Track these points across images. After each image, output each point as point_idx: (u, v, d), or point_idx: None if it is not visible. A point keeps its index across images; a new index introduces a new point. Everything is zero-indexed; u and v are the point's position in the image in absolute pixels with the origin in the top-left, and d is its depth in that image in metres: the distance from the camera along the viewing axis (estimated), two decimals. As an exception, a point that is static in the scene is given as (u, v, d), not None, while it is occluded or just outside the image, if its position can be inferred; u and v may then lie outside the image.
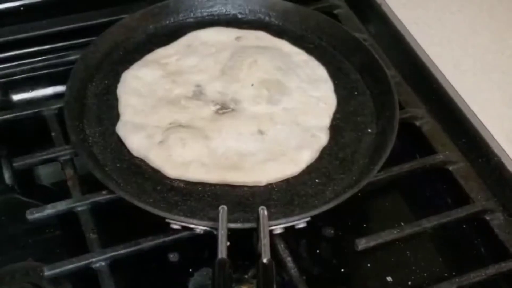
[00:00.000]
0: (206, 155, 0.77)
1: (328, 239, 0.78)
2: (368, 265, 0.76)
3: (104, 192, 0.74)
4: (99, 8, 0.93)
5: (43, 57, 0.90)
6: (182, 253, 0.74)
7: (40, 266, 0.69)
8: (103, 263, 0.69)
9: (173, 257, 0.74)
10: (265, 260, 0.65)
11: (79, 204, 0.74)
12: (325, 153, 0.79)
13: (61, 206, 0.73)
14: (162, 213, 0.70)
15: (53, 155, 0.78)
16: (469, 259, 0.77)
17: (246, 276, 0.73)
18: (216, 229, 0.68)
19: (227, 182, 0.75)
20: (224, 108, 0.82)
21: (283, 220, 0.70)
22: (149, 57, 0.87)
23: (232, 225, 0.70)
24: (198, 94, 0.83)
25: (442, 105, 0.85)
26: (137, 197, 0.72)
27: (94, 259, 0.69)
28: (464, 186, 0.79)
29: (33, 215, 0.72)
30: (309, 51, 0.90)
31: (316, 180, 0.76)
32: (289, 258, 0.70)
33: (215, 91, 0.83)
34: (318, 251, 0.77)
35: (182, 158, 0.76)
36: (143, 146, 0.77)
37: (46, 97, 0.90)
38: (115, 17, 0.91)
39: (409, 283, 0.75)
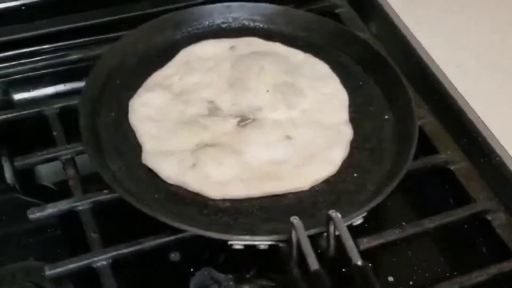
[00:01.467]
0: (242, 169, 0.76)
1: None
2: (370, 265, 0.75)
3: (105, 192, 0.74)
4: (99, 8, 0.93)
5: (44, 57, 0.90)
6: (183, 252, 0.74)
7: (41, 265, 0.69)
8: (104, 263, 0.69)
9: (174, 256, 0.74)
10: (359, 263, 0.63)
11: (80, 203, 0.74)
12: (353, 147, 0.79)
13: (62, 205, 0.73)
14: (225, 236, 0.69)
15: (54, 154, 0.78)
16: (470, 259, 0.77)
17: (247, 276, 0.73)
18: (286, 241, 0.67)
19: (271, 193, 0.75)
20: (244, 120, 0.81)
21: (346, 219, 0.68)
22: (150, 81, 0.85)
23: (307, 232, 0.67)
24: (213, 110, 0.82)
25: (444, 105, 0.85)
26: (196, 225, 0.69)
27: (95, 259, 0.69)
28: (466, 186, 0.79)
29: (34, 214, 0.72)
30: (304, 49, 0.90)
31: (354, 175, 0.77)
32: (289, 258, 0.70)
33: (229, 104, 0.82)
34: (319, 251, 0.77)
35: (221, 177, 0.75)
36: (177, 172, 0.75)
37: (47, 96, 0.90)
38: (115, 17, 0.91)
39: (411, 283, 0.75)
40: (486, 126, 0.81)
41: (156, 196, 0.74)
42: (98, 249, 0.70)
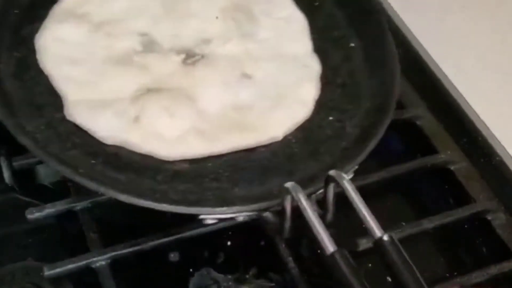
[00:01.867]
0: (199, 120, 0.63)
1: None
2: (369, 265, 0.75)
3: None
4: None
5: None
6: (183, 252, 0.74)
7: (40, 265, 0.69)
8: (103, 263, 0.69)
9: (173, 256, 0.74)
10: (385, 237, 0.54)
11: (79, 203, 0.73)
12: (322, 83, 0.69)
13: (61, 205, 0.73)
14: (192, 210, 0.57)
15: (53, 154, 0.78)
16: (470, 259, 0.77)
17: (247, 276, 0.73)
18: (266, 210, 0.57)
19: (238, 148, 0.63)
20: (190, 56, 0.67)
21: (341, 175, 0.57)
22: (58, 9, 0.68)
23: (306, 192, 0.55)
24: (149, 44, 0.67)
25: (444, 104, 0.85)
26: (149, 197, 0.57)
27: (94, 259, 0.69)
28: (466, 186, 0.79)
29: (33, 214, 0.72)
30: None
31: (330, 118, 0.67)
32: (289, 258, 0.70)
33: (168, 35, 0.68)
34: (319, 251, 0.76)
35: (173, 132, 0.62)
36: (116, 129, 0.61)
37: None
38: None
39: (410, 283, 0.74)
40: (486, 126, 0.81)
41: (93, 161, 0.60)
42: (97, 249, 0.70)
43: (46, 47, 0.66)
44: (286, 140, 0.66)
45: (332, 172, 0.57)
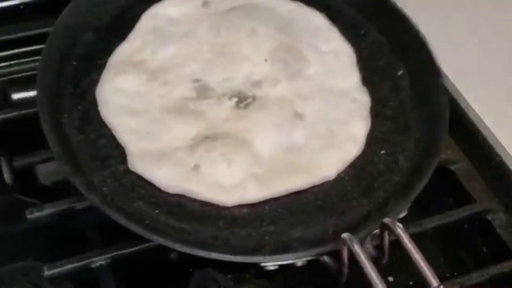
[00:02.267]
0: (255, 165, 0.64)
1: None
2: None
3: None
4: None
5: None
6: (183, 252, 0.74)
7: (40, 265, 0.69)
8: (103, 263, 0.69)
9: (174, 256, 0.74)
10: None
11: (79, 203, 0.73)
12: (372, 116, 0.69)
13: (61, 205, 0.73)
14: (253, 259, 0.59)
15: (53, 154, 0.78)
16: (471, 259, 0.77)
17: (247, 276, 0.73)
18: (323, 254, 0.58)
19: (293, 190, 0.64)
20: (243, 100, 0.68)
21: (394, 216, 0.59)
22: (115, 59, 0.70)
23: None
24: (202, 90, 0.68)
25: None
26: (213, 248, 0.59)
27: (94, 259, 0.69)
28: (466, 186, 0.79)
29: (33, 214, 0.72)
30: None
31: (381, 152, 0.67)
32: (290, 258, 0.70)
33: (220, 80, 0.69)
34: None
35: (232, 179, 0.63)
36: (177, 179, 0.62)
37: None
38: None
39: (411, 283, 0.74)
40: (486, 126, 0.81)
41: (157, 211, 0.62)
42: (97, 249, 0.70)
43: (107, 99, 0.67)
44: (339, 178, 0.66)
45: (386, 220, 0.59)
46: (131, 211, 0.62)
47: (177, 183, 0.63)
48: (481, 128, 0.81)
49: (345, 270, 0.60)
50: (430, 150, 0.66)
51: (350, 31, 0.76)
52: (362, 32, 0.75)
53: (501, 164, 0.78)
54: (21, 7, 0.91)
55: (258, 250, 0.60)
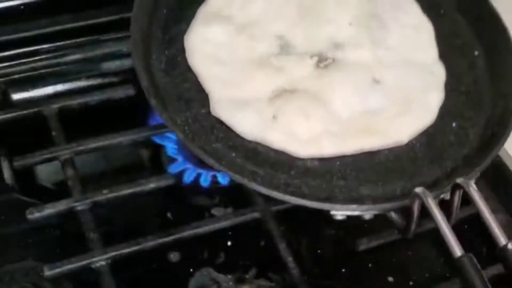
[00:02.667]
0: (331, 122, 0.66)
1: (329, 239, 0.77)
2: (369, 265, 0.75)
3: (104, 192, 0.74)
4: (99, 7, 0.93)
5: (43, 56, 0.90)
6: (183, 252, 0.74)
7: (40, 266, 0.69)
8: (103, 263, 0.69)
9: (173, 257, 0.74)
10: (510, 245, 0.57)
11: (79, 203, 0.73)
12: (447, 90, 0.72)
13: (61, 205, 0.73)
14: (325, 206, 0.61)
15: (53, 154, 0.78)
16: (470, 259, 0.77)
17: (247, 276, 0.73)
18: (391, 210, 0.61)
19: (365, 150, 0.66)
20: (322, 60, 0.71)
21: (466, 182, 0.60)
22: (204, 10, 0.73)
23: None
24: (285, 47, 0.71)
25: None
26: (285, 191, 0.62)
27: (94, 259, 0.69)
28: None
29: (33, 214, 0.72)
30: None
31: (453, 125, 0.70)
32: (290, 258, 0.70)
33: (303, 39, 0.71)
34: (319, 251, 0.77)
35: (308, 132, 0.65)
36: (256, 127, 0.66)
37: (47, 96, 0.89)
38: (115, 17, 0.91)
39: (411, 283, 0.75)
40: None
41: (233, 155, 0.66)
42: (97, 249, 0.70)
43: (195, 47, 0.71)
44: (410, 144, 0.68)
45: (460, 180, 0.60)
46: (210, 151, 0.65)
47: (254, 131, 0.66)
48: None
49: (413, 226, 0.62)
50: (500, 128, 0.68)
51: (431, 9, 0.78)
52: (442, 12, 0.78)
53: (501, 165, 0.78)
54: (22, 7, 0.91)
55: (329, 199, 0.63)
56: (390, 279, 0.75)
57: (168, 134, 0.81)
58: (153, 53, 0.72)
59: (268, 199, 0.73)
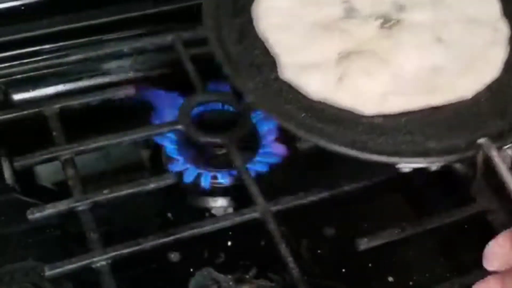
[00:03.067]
0: (395, 80, 0.69)
1: (329, 239, 0.78)
2: (370, 265, 0.76)
3: (105, 192, 0.74)
4: (100, 8, 0.93)
5: (44, 57, 0.90)
6: (183, 253, 0.74)
7: (40, 266, 0.69)
8: (104, 263, 0.69)
9: (173, 257, 0.74)
10: None
11: (80, 203, 0.74)
12: (510, 45, 0.73)
13: (61, 205, 0.73)
14: (392, 159, 0.65)
15: (53, 154, 0.78)
16: (470, 259, 0.77)
17: (247, 276, 0.73)
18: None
19: (429, 106, 0.68)
20: (387, 21, 0.73)
21: None
22: None
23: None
24: (350, 11, 0.74)
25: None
26: (352, 147, 0.65)
27: (95, 259, 0.69)
28: (466, 186, 0.79)
29: (34, 214, 0.72)
30: None
31: None
32: (290, 259, 0.70)
33: (367, 2, 0.74)
34: (319, 251, 0.77)
35: (373, 91, 0.68)
36: (323, 87, 0.69)
37: (47, 96, 0.90)
38: (116, 17, 0.91)
39: (411, 283, 0.75)
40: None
41: (302, 115, 0.68)
42: (97, 249, 0.70)
43: (262, 15, 0.74)
44: (475, 98, 0.70)
45: None
46: (280, 113, 0.68)
47: (322, 91, 0.69)
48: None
49: (478, 176, 0.65)
50: None
51: None
52: None
53: (501, 164, 0.78)
54: (22, 8, 0.91)
55: (396, 153, 0.66)
56: (390, 279, 0.75)
57: (168, 134, 0.82)
58: (225, 24, 0.75)
59: (268, 199, 0.74)
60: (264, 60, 0.72)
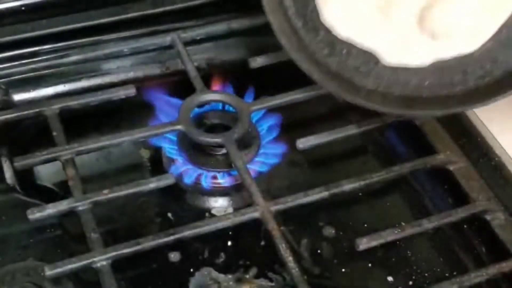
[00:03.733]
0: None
1: (328, 239, 0.78)
2: (369, 265, 0.76)
3: (105, 192, 0.74)
4: (99, 8, 0.93)
5: (44, 57, 0.90)
6: (183, 253, 0.74)
7: (41, 265, 0.69)
8: (104, 263, 0.69)
9: (173, 257, 0.74)
10: None
11: (80, 203, 0.74)
12: None
13: (62, 205, 0.73)
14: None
15: (54, 154, 0.78)
16: (469, 259, 0.77)
17: (247, 276, 0.73)
18: None
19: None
20: None
21: None
22: None
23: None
24: None
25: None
26: None
27: (95, 259, 0.69)
28: (465, 186, 0.79)
29: (34, 214, 0.72)
30: None
31: None
32: (290, 258, 0.70)
33: None
34: (319, 251, 0.77)
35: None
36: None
37: (47, 97, 0.90)
38: (116, 17, 0.91)
39: (410, 283, 0.75)
40: (485, 126, 0.81)
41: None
42: (98, 249, 0.70)
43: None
44: None
45: None
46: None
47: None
48: (480, 128, 0.81)
49: None
50: None
51: None
52: None
53: (500, 165, 0.78)
54: (22, 8, 0.91)
55: None
56: (390, 279, 0.75)
57: (168, 135, 0.82)
58: (288, 7, 0.78)
59: (268, 199, 0.74)
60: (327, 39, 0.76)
